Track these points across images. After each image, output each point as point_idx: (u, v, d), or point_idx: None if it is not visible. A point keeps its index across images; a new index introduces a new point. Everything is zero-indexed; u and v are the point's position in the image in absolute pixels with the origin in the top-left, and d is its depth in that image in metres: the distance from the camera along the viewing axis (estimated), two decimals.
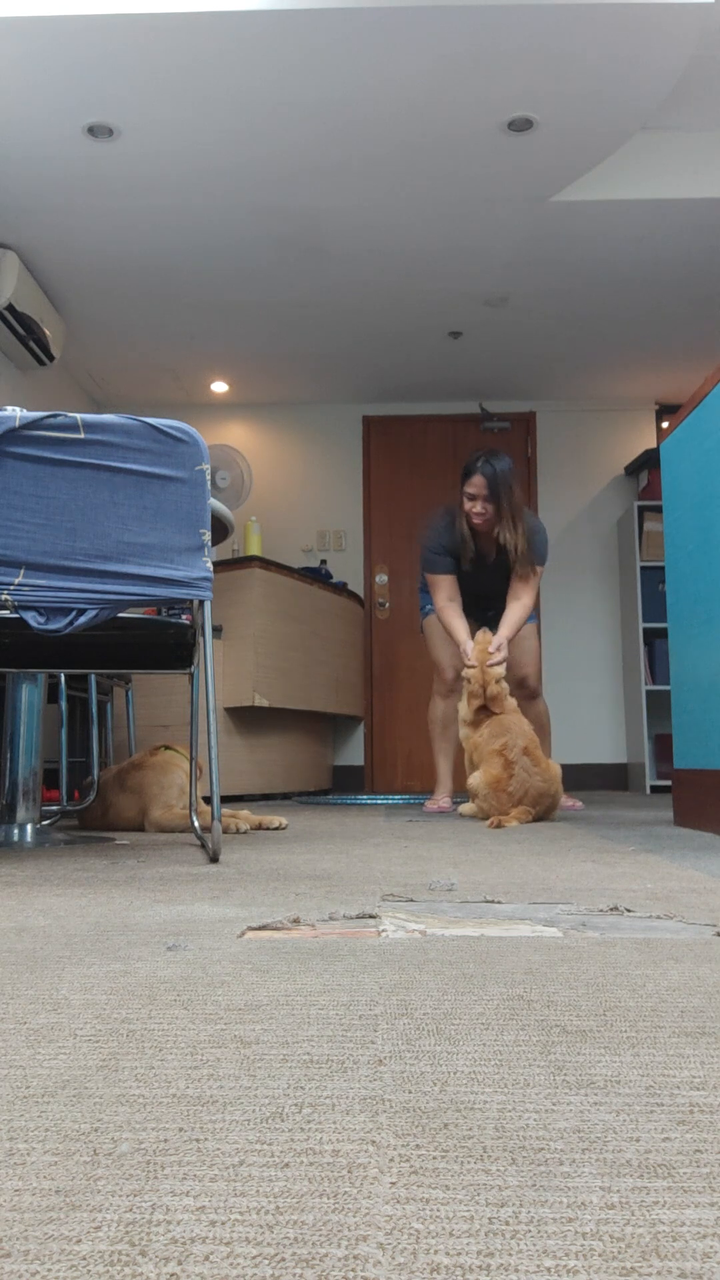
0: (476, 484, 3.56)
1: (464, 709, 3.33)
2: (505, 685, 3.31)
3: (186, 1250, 0.41)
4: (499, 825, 2.86)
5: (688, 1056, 0.67)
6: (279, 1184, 0.47)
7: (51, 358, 4.78)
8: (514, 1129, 0.54)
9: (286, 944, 1.05)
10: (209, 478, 2.06)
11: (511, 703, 3.31)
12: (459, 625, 3.56)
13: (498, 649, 3.34)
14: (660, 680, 5.58)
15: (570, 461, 6.27)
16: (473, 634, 3.52)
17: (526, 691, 3.74)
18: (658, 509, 5.72)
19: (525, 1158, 0.50)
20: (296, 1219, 0.44)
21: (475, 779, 3.14)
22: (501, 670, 3.30)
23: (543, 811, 3.10)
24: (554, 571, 6.15)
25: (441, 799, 3.77)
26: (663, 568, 5.63)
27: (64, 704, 3.27)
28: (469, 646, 3.38)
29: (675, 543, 2.86)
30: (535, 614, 3.77)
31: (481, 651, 3.33)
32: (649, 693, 5.69)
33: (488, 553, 3.68)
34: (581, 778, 5.97)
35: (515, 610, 3.54)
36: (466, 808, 3.24)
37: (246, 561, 4.48)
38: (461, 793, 3.95)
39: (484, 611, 3.80)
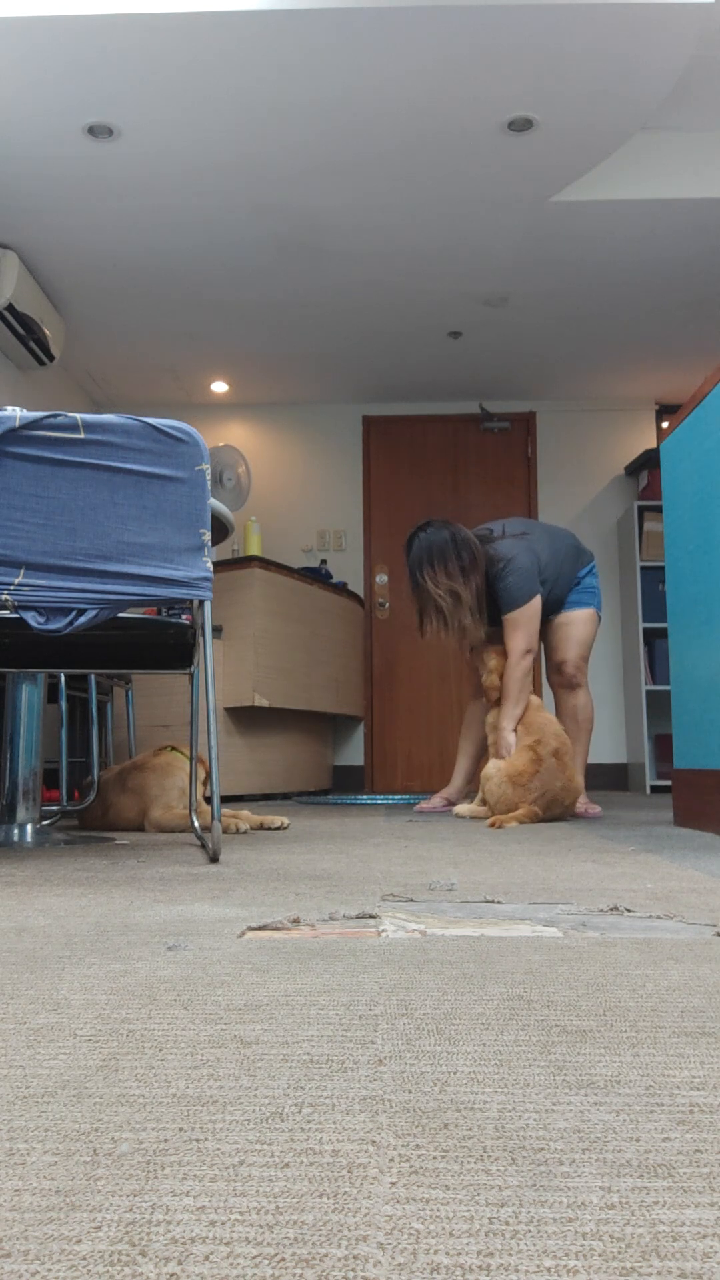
0: (439, 586, 3.35)
1: (494, 713, 3.30)
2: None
3: (186, 1250, 0.41)
4: (499, 825, 2.85)
5: (688, 1056, 0.67)
6: (279, 1184, 0.47)
7: (51, 358, 4.78)
8: (514, 1129, 0.54)
9: (286, 944, 1.05)
10: (209, 478, 2.06)
11: (536, 700, 3.27)
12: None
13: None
14: (660, 680, 5.58)
15: (570, 461, 6.27)
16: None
17: (563, 679, 3.53)
18: (658, 509, 5.72)
19: (525, 1158, 0.50)
20: (296, 1219, 0.44)
21: (491, 767, 3.06)
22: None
23: (552, 818, 3.07)
24: None
25: (434, 798, 3.76)
26: (663, 568, 5.63)
27: (64, 704, 3.27)
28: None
29: (675, 543, 2.86)
30: (596, 600, 3.57)
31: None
32: (649, 693, 5.69)
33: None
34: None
35: (507, 687, 3.29)
36: (463, 808, 3.21)
37: (246, 561, 4.48)
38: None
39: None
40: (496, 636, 3.63)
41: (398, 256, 4.46)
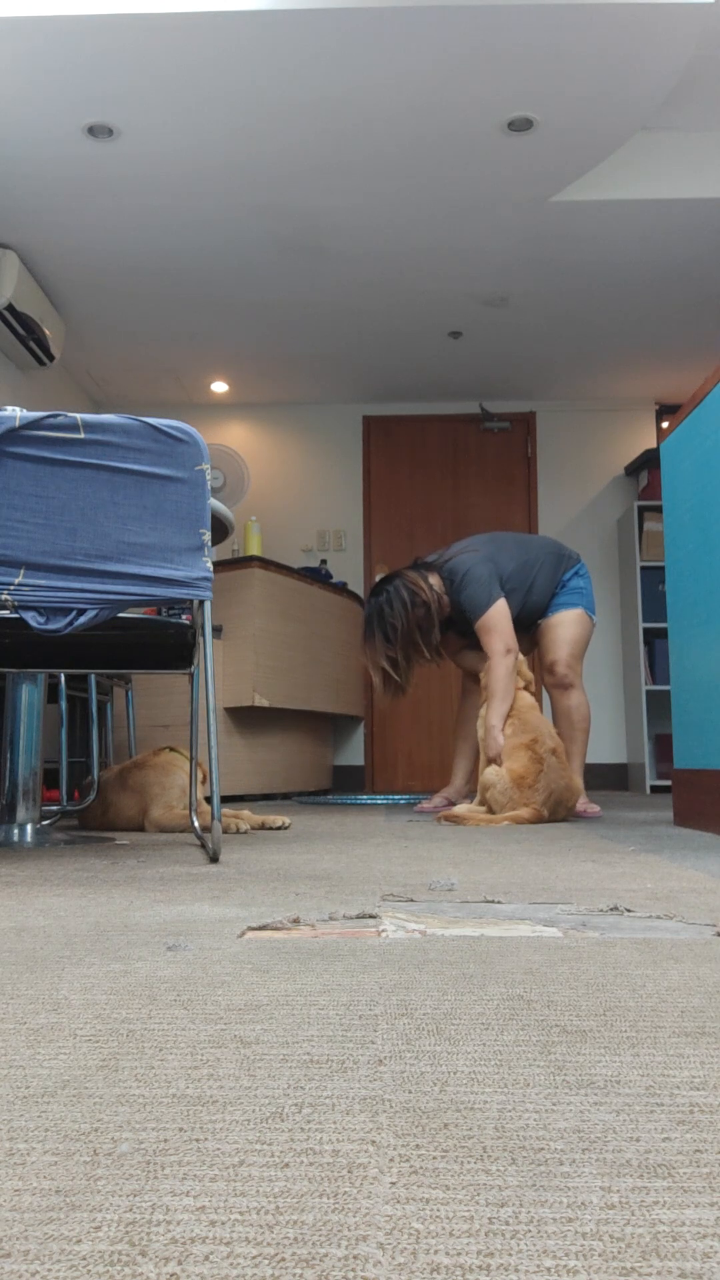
0: (378, 655, 3.52)
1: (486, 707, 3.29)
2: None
3: (186, 1250, 0.41)
4: (452, 820, 2.88)
5: (688, 1056, 0.67)
6: (279, 1184, 0.47)
7: (51, 358, 4.78)
8: (514, 1129, 0.54)
9: (286, 944, 1.05)
10: (209, 478, 2.06)
11: (527, 698, 3.26)
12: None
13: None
14: (660, 680, 5.58)
15: (570, 461, 6.27)
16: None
17: (555, 680, 3.54)
18: (658, 509, 5.72)
19: (525, 1158, 0.50)
20: (296, 1219, 0.44)
21: (491, 773, 3.05)
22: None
23: (554, 819, 3.05)
24: None
25: (435, 798, 3.76)
26: (663, 568, 5.63)
27: (64, 704, 3.27)
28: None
29: (675, 543, 2.86)
30: (583, 601, 3.59)
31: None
32: (649, 693, 5.69)
33: (455, 612, 3.60)
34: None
35: (489, 687, 3.32)
36: (462, 808, 3.17)
37: (246, 561, 4.48)
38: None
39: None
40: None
41: (398, 256, 4.46)
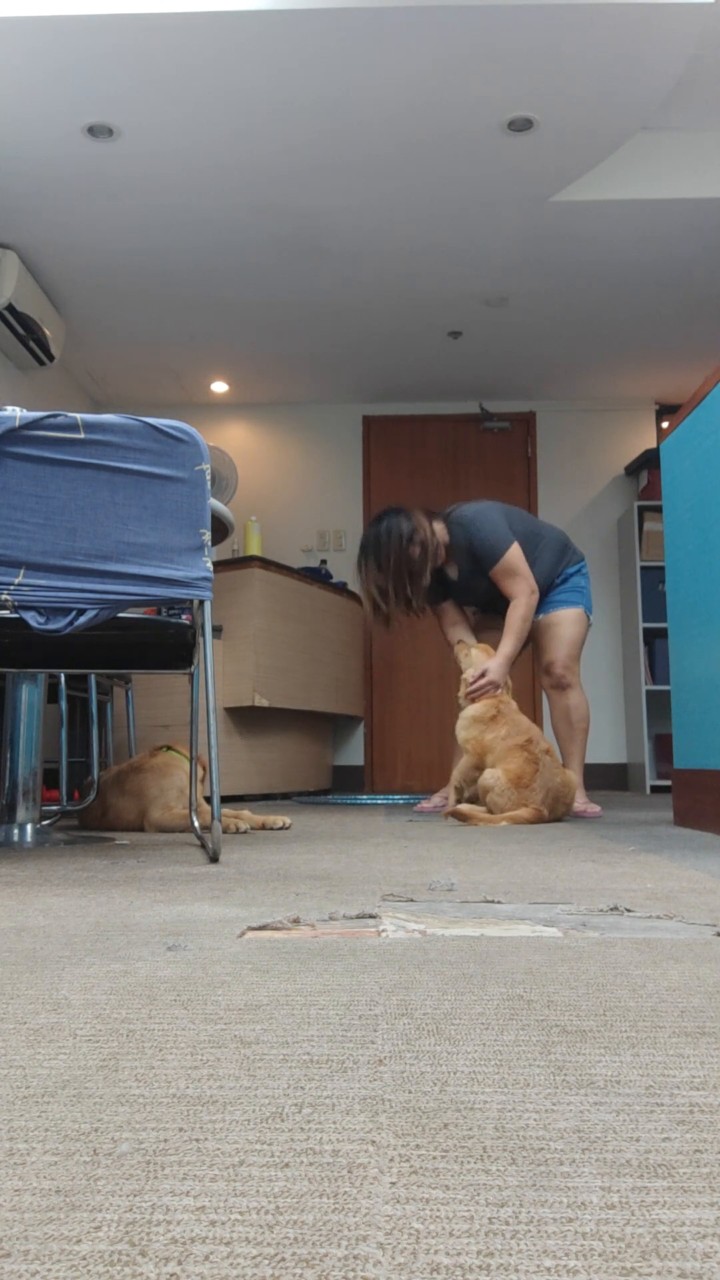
0: (370, 581, 3.52)
1: (473, 709, 3.27)
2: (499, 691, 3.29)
3: (186, 1250, 0.41)
4: (457, 815, 2.89)
5: (688, 1056, 0.67)
6: (279, 1184, 0.47)
7: (51, 358, 4.78)
8: (514, 1129, 0.54)
9: (286, 944, 1.05)
10: (209, 478, 2.06)
11: (514, 704, 3.27)
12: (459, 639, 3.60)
13: (480, 676, 3.28)
14: (660, 680, 5.58)
15: (570, 461, 6.27)
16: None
17: (552, 680, 3.53)
18: (658, 509, 5.72)
19: (525, 1158, 0.50)
20: (296, 1219, 0.44)
21: (489, 776, 3.06)
22: (494, 689, 3.28)
23: (554, 817, 3.07)
24: None
25: (434, 798, 3.76)
26: (663, 568, 5.63)
27: (64, 704, 3.27)
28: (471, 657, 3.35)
29: (675, 543, 2.86)
30: (584, 600, 3.59)
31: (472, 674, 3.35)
32: (649, 693, 5.69)
33: (451, 570, 3.58)
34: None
35: (509, 622, 3.39)
36: (463, 808, 3.18)
37: (246, 561, 4.48)
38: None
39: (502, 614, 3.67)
40: (484, 625, 3.66)
41: (398, 256, 4.46)
